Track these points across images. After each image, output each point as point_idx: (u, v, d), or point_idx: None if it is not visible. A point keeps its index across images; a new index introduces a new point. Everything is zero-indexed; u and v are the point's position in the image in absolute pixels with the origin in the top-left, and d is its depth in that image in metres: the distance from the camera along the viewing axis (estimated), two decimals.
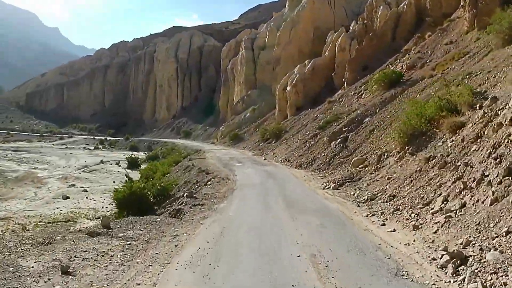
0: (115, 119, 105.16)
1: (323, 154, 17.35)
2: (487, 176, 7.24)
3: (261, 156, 26.59)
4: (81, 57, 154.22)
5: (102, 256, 7.00)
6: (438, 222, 7.21)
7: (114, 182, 28.72)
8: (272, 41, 51.41)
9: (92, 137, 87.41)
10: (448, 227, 6.95)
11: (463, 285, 5.18)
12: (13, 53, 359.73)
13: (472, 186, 7.45)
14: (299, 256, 6.56)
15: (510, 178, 6.67)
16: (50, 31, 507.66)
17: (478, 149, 8.36)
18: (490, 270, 5.16)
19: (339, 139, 16.49)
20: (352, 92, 28.01)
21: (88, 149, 64.91)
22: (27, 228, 14.45)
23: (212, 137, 54.45)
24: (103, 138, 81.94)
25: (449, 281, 5.41)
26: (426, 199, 8.54)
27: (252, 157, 26.82)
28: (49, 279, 5.89)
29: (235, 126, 46.83)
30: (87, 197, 23.09)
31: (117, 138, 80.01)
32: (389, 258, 6.39)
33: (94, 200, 22.03)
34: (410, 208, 8.64)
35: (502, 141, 7.51)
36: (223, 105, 62.04)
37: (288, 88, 36.63)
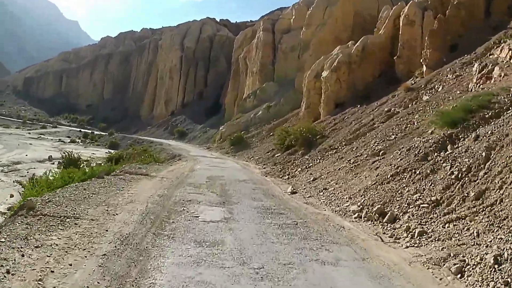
0: (111, 113, 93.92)
1: None
2: None
3: (281, 179, 13.82)
4: (87, 45, 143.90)
5: None
6: None
7: (12, 196, 16.62)
8: (299, 22, 39.24)
9: (79, 129, 76.92)
10: None
11: None
12: (29, 40, 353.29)
13: None
14: None
15: None
16: (70, 23, 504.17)
17: None
18: None
19: None
20: (451, 75, 15.60)
21: (62, 141, 54.44)
22: None
23: (211, 141, 42.11)
24: (89, 131, 71.06)
25: None
26: None
27: (261, 180, 14.04)
28: None
29: (240, 127, 34.30)
30: None
31: (104, 133, 68.74)
32: None
33: None
34: None
35: None
36: (230, 102, 49.59)
37: (325, 74, 24.13)
